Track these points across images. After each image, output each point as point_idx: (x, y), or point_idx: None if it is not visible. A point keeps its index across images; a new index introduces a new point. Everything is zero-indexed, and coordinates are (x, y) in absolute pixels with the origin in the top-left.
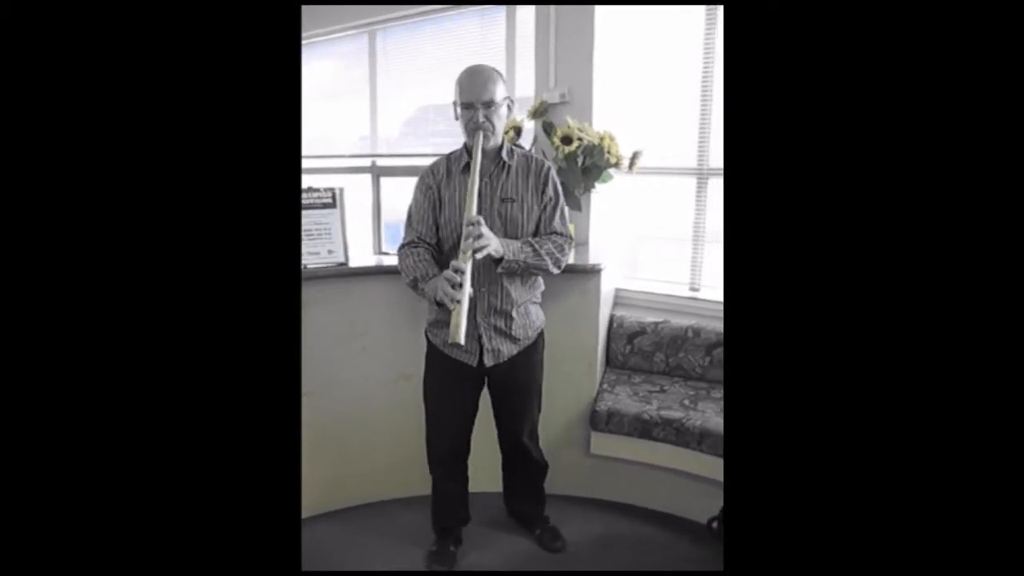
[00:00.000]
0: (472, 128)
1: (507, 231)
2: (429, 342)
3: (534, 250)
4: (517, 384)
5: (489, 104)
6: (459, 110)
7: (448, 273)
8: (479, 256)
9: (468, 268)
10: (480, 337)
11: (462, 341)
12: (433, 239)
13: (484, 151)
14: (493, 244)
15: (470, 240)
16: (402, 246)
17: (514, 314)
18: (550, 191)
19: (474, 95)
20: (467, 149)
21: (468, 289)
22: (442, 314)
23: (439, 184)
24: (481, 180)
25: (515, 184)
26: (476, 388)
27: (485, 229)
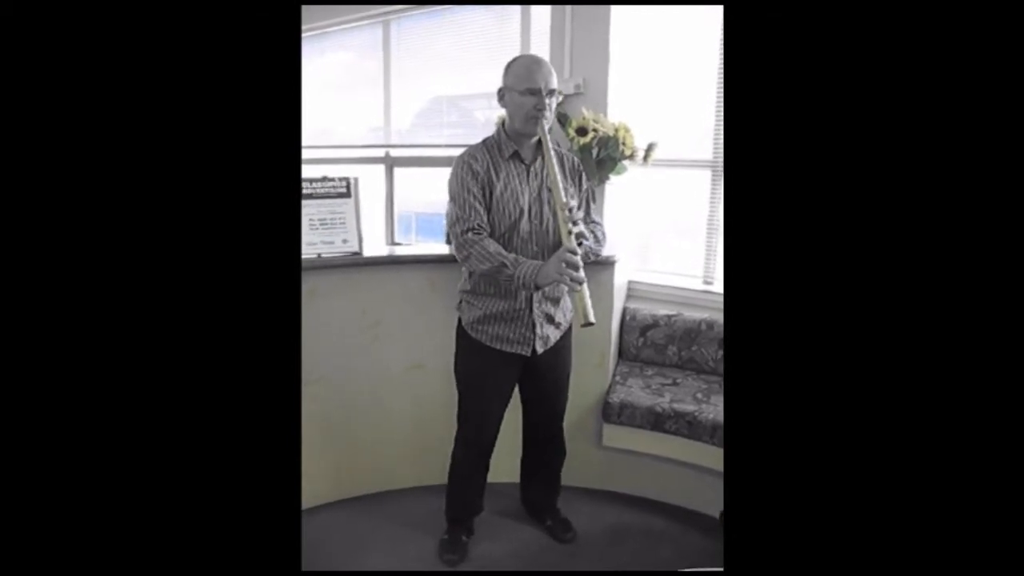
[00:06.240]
0: (535, 114)
1: (554, 219)
2: (470, 338)
3: (595, 236)
4: (557, 370)
5: (551, 93)
6: (514, 96)
7: (567, 256)
8: (584, 240)
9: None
10: (534, 325)
11: (593, 319)
12: (487, 226)
13: (529, 142)
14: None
15: (568, 225)
16: (463, 232)
17: (560, 300)
18: (584, 182)
19: (543, 81)
20: (508, 136)
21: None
22: (495, 307)
23: (486, 171)
24: (529, 169)
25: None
26: (516, 379)
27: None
